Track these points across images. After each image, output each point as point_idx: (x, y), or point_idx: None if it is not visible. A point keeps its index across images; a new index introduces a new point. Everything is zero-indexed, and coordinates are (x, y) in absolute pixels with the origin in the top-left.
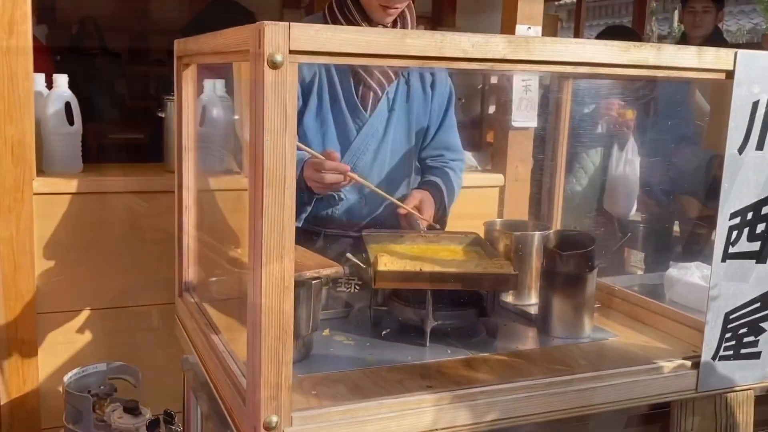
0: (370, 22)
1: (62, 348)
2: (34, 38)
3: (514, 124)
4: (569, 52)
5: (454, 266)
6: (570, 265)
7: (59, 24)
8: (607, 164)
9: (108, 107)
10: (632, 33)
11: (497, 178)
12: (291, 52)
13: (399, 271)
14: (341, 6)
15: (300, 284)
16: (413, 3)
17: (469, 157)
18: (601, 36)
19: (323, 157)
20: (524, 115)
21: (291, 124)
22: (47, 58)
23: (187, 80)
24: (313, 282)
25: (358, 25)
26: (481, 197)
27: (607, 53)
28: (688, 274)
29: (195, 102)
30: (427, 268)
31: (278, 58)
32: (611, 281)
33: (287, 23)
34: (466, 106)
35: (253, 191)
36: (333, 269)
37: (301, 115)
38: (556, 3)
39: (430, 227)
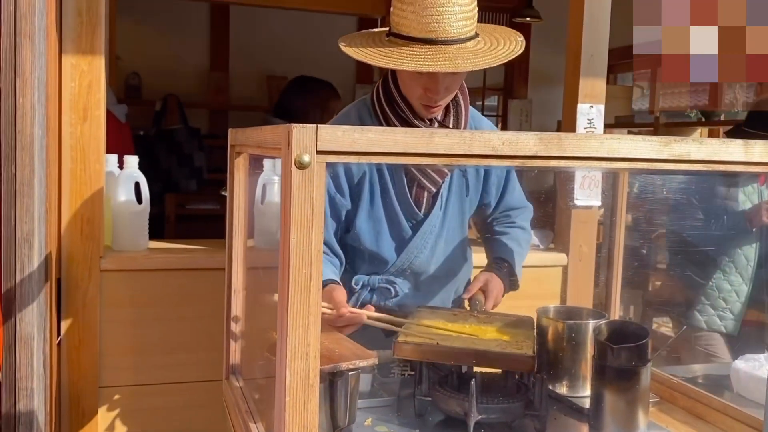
0: (419, 116)
1: (122, 422)
2: (114, 118)
3: (577, 203)
4: (604, 148)
5: (478, 344)
6: (621, 358)
7: (144, 101)
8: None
9: (186, 179)
10: None
11: (560, 258)
12: (319, 152)
13: (416, 343)
14: (390, 102)
15: (336, 375)
16: (484, 75)
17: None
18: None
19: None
20: (587, 194)
21: (317, 222)
22: (126, 137)
23: (239, 167)
24: (350, 373)
25: (407, 118)
26: (544, 277)
27: (646, 148)
28: (756, 366)
29: (246, 188)
30: (446, 343)
31: (305, 158)
32: (677, 371)
33: (315, 126)
34: (539, 177)
35: (280, 288)
36: (370, 360)
37: (353, 216)
38: (636, 72)
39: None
